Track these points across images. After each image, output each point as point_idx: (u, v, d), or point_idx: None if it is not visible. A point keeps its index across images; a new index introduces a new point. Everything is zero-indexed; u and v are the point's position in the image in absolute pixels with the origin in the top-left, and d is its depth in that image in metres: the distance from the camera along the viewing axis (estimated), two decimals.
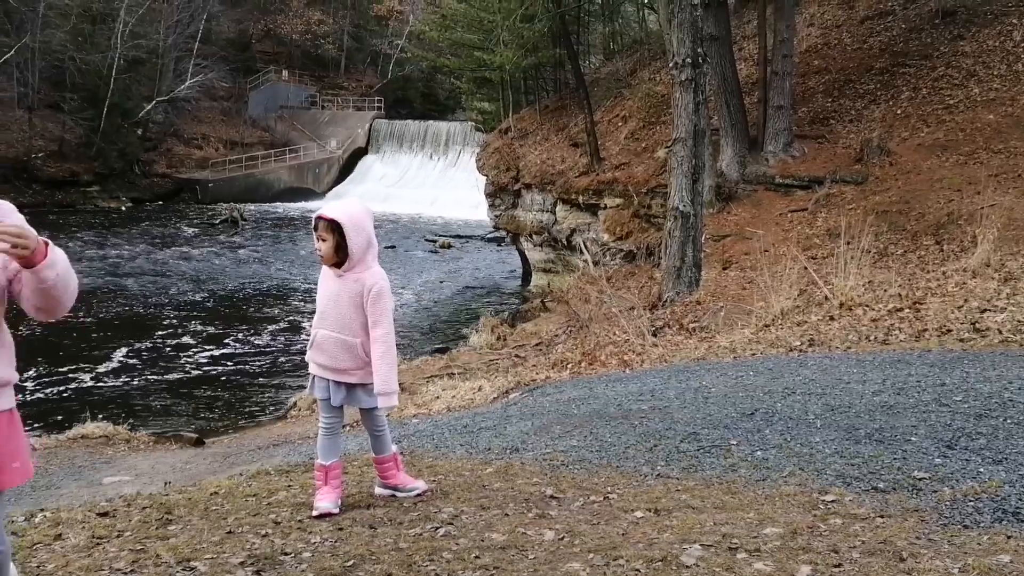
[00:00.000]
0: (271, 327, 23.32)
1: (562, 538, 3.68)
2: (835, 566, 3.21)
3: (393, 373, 4.11)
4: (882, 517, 3.71)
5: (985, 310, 8.36)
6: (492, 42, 28.86)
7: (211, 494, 4.76)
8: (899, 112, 19.75)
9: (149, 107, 48.52)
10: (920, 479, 4.12)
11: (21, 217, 2.61)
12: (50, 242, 2.60)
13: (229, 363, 19.80)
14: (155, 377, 18.39)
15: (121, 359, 19.65)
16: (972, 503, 3.77)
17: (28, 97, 43.63)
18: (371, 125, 56.32)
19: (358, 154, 55.34)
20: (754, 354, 8.43)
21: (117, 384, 17.82)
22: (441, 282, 30.40)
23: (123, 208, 45.39)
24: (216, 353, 20.63)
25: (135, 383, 17.90)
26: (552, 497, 4.27)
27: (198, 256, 33.98)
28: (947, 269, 11.20)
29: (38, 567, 3.71)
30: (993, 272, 10.09)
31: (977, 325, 7.88)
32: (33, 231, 2.54)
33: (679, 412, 5.89)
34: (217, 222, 41.65)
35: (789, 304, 10.11)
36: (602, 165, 23.33)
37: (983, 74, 19.65)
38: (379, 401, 4.13)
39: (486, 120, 36.36)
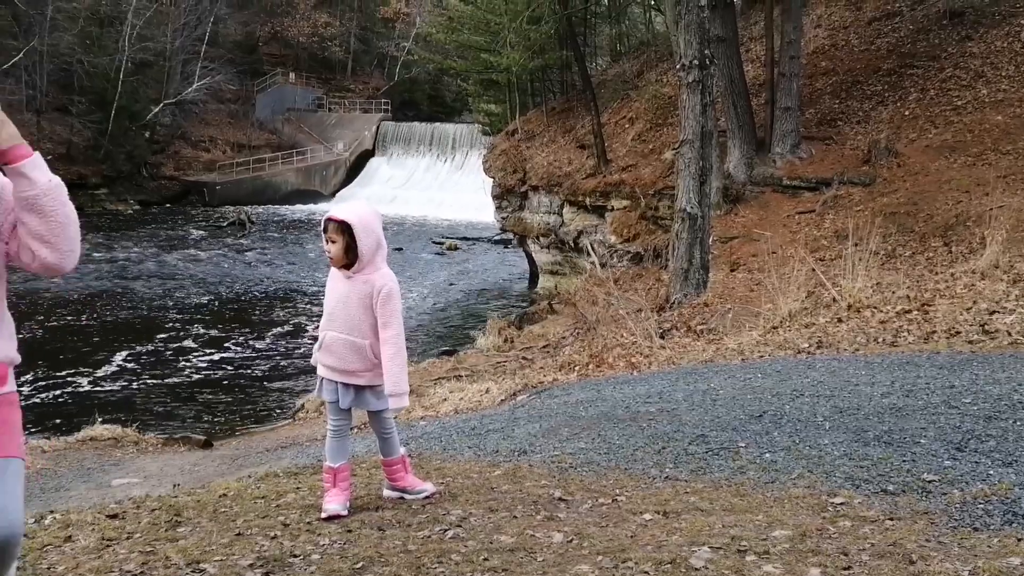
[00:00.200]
0: (278, 329, 23.36)
1: (571, 540, 3.68)
2: (844, 568, 3.20)
3: (404, 374, 4.11)
4: (891, 519, 3.70)
5: (994, 312, 8.33)
6: (499, 44, 28.88)
7: (220, 496, 4.77)
8: (907, 113, 19.71)
9: (156, 110, 48.65)
10: (930, 481, 4.11)
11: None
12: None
13: (237, 365, 19.84)
14: (163, 379, 18.43)
15: (129, 361, 19.69)
16: (982, 505, 3.76)
17: (36, 100, 43.75)
18: (378, 127, 56.40)
19: (365, 156, 55.40)
20: (762, 356, 8.42)
21: (125, 386, 17.86)
22: (448, 284, 30.42)
23: (131, 211, 45.52)
24: (224, 355, 20.67)
25: (143, 385, 17.95)
26: (560, 499, 4.27)
27: (206, 259, 34.06)
28: (956, 271, 11.17)
29: (48, 569, 3.72)
30: (1002, 274, 10.06)
31: (986, 327, 7.86)
32: (12, 126, 2.34)
33: (687, 414, 5.88)
34: (224, 224, 41.76)
35: (797, 306, 10.09)
36: (609, 167, 23.32)
37: (991, 75, 19.60)
38: (390, 402, 4.13)
39: (493, 122, 36.37)
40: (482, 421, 6.74)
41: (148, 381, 18.22)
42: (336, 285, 4.22)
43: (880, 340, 8.17)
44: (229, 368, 19.61)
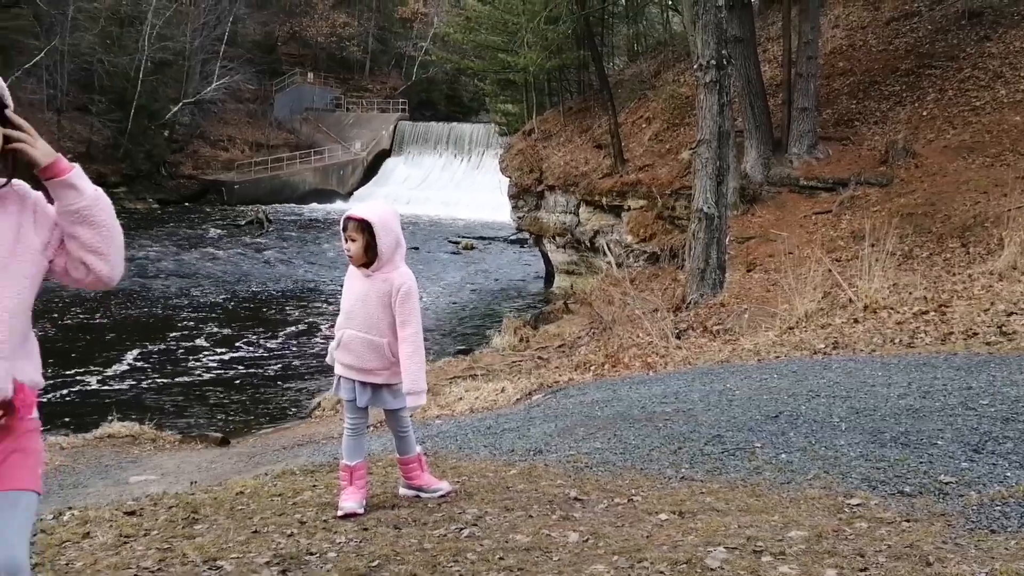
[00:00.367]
0: (296, 328, 23.43)
1: (586, 540, 3.68)
2: (861, 570, 3.20)
3: (422, 372, 4.13)
4: (908, 521, 3.70)
5: (1012, 313, 8.28)
6: (516, 44, 28.86)
7: (237, 494, 4.80)
8: (924, 114, 19.61)
9: (176, 109, 48.84)
10: (947, 483, 4.10)
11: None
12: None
13: (253, 364, 19.91)
14: (180, 377, 18.51)
15: (145, 359, 19.79)
16: (999, 507, 3.74)
17: (57, 99, 44.02)
18: (395, 127, 56.48)
19: (382, 156, 55.49)
20: (778, 357, 8.40)
21: (141, 384, 17.95)
22: (464, 283, 30.44)
23: (149, 209, 45.73)
24: (240, 354, 20.75)
25: (160, 383, 18.03)
26: (576, 499, 4.28)
27: (224, 257, 34.18)
28: (973, 272, 11.11)
29: (67, 565, 3.75)
30: (1020, 275, 9.99)
31: (1004, 328, 7.82)
32: (45, 144, 2.30)
33: (703, 415, 5.87)
34: (243, 223, 41.88)
35: (813, 307, 10.06)
36: (626, 167, 23.29)
37: (1010, 75, 19.48)
38: (407, 400, 4.15)
39: (510, 122, 36.35)
40: (497, 420, 6.74)
41: (164, 379, 18.30)
42: (354, 283, 4.24)
43: (897, 341, 8.14)
44: (245, 366, 19.68)
